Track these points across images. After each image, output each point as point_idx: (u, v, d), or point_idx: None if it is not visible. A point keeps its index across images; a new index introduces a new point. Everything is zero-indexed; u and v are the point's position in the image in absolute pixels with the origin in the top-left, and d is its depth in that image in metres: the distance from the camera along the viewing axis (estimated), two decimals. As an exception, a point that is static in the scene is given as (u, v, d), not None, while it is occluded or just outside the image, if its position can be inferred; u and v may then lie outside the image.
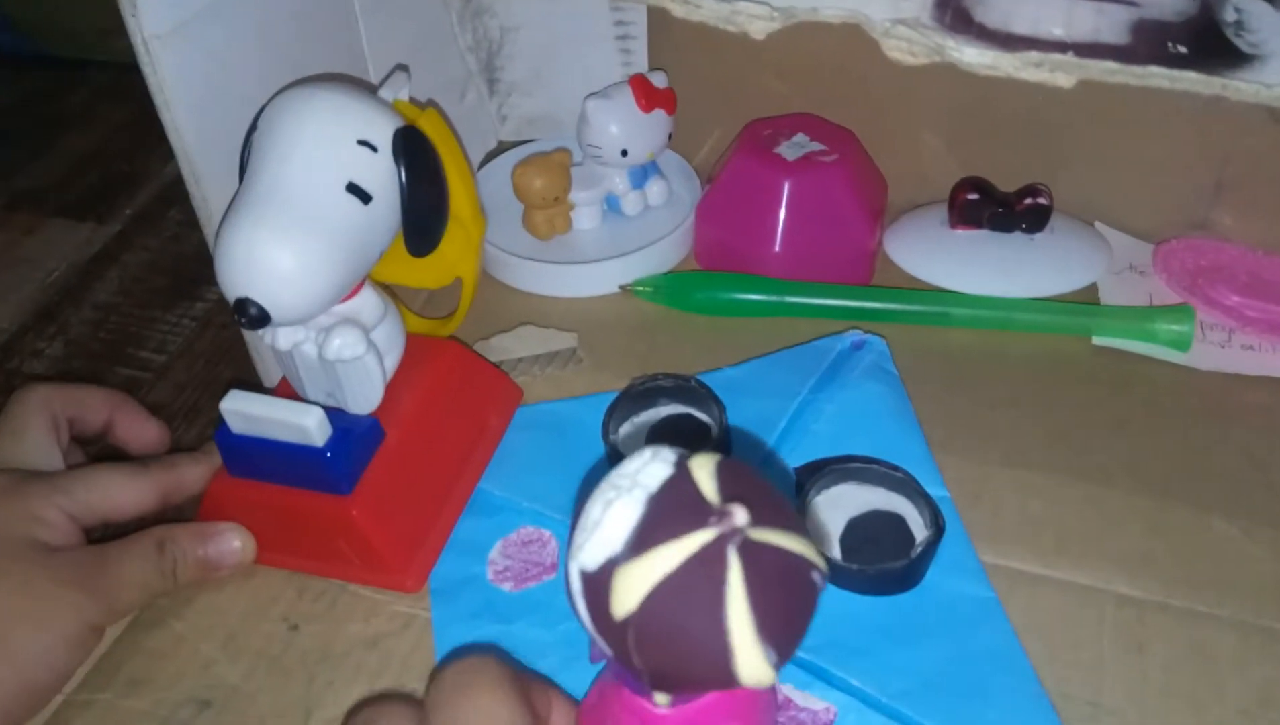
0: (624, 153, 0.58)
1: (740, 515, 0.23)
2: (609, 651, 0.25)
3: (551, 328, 0.55)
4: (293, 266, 0.36)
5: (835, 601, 0.41)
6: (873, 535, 0.42)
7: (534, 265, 0.58)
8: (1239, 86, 0.29)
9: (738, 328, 0.55)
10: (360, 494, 0.41)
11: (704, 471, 0.24)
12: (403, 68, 0.47)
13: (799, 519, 0.24)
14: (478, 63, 0.62)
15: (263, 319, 0.37)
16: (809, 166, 0.55)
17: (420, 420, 0.44)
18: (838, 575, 0.41)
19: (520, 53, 0.62)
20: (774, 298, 0.55)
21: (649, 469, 0.24)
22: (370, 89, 0.42)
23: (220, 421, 0.41)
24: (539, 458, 0.48)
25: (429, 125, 0.43)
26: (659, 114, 0.58)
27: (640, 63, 0.61)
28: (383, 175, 0.39)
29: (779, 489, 0.25)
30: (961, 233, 0.56)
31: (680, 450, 0.25)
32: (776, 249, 0.56)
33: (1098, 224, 0.60)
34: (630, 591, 0.23)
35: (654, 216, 0.61)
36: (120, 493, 0.42)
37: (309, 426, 0.39)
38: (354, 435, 0.41)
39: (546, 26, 0.61)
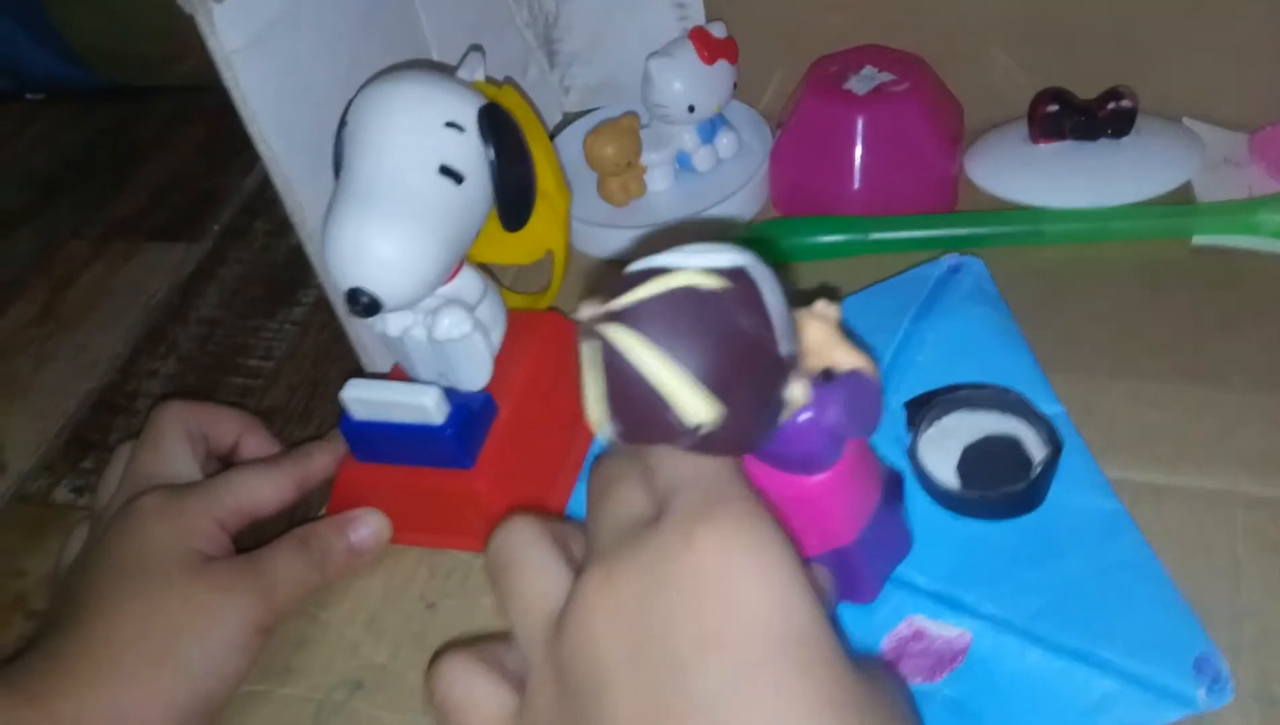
0: (691, 109, 0.58)
1: (588, 308, 0.28)
2: None
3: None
4: (398, 253, 0.38)
5: (960, 529, 0.42)
6: (990, 460, 0.43)
7: (614, 231, 0.58)
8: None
9: (827, 271, 0.55)
10: (482, 466, 0.43)
11: (659, 283, 0.27)
12: (477, 48, 0.49)
13: (714, 365, 0.27)
14: (536, 37, 0.62)
15: (374, 307, 0.39)
16: (881, 99, 0.55)
17: (529, 392, 0.46)
18: (960, 503, 0.42)
19: (576, 22, 0.63)
20: (859, 236, 0.55)
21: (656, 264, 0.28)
22: (449, 72, 0.43)
23: (343, 410, 0.43)
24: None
25: (508, 100, 0.45)
26: (722, 65, 0.58)
27: (697, 15, 0.62)
28: (472, 155, 0.40)
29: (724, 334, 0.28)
30: (1045, 146, 0.56)
31: (728, 258, 0.28)
32: (856, 186, 0.56)
33: (1186, 120, 0.59)
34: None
35: (726, 169, 0.61)
36: (262, 490, 0.45)
37: (428, 405, 0.41)
38: (470, 411, 0.43)
39: None
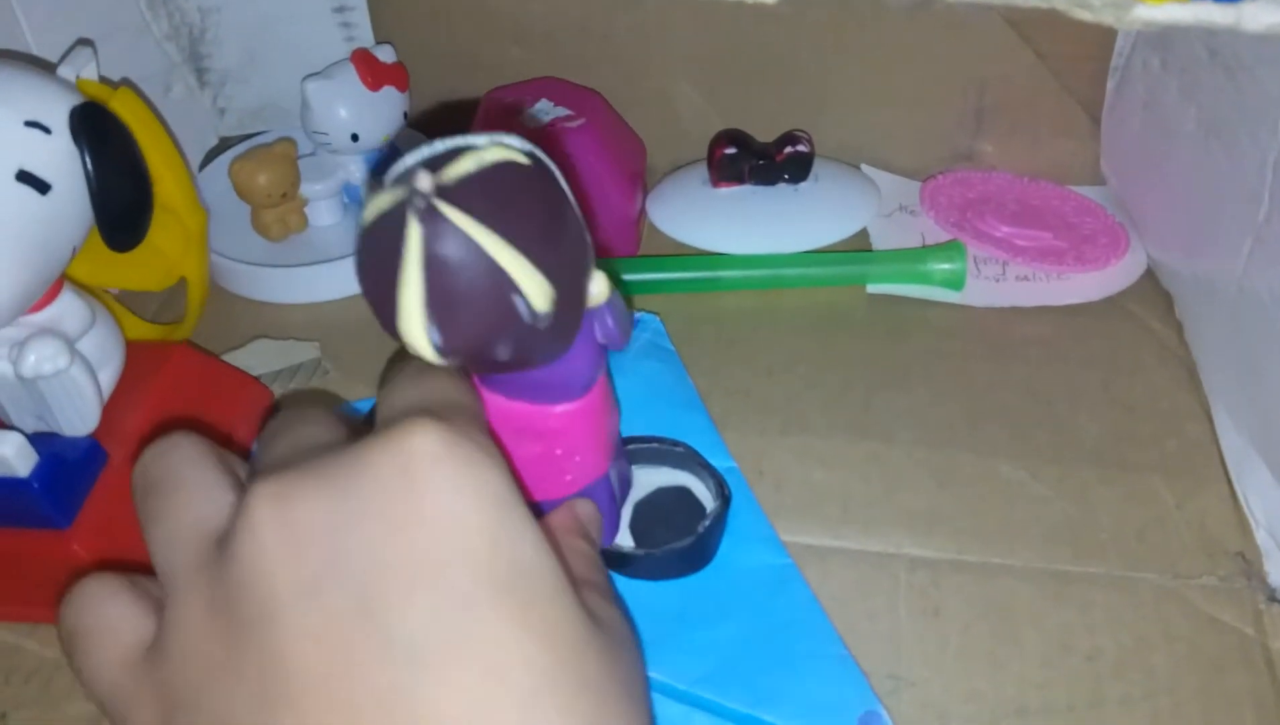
0: (355, 137, 0.55)
1: (423, 181, 0.24)
2: None
3: (290, 338, 0.50)
4: None
5: (626, 594, 0.40)
6: (663, 516, 0.41)
7: (267, 271, 0.54)
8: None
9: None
10: (82, 525, 0.39)
11: (474, 158, 0.25)
12: (86, 42, 0.43)
13: (544, 246, 0.25)
14: (180, 52, 0.58)
15: None
16: (553, 134, 0.53)
17: (149, 435, 0.41)
18: (628, 565, 0.40)
19: (227, 36, 0.59)
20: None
21: (460, 143, 0.26)
22: (47, 68, 0.39)
23: None
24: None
25: (122, 105, 0.41)
26: (389, 91, 0.55)
27: (365, 36, 0.58)
28: (62, 160, 0.36)
29: (565, 229, 0.26)
30: (724, 190, 0.55)
31: (501, 140, 0.26)
32: (531, 226, 0.53)
33: (864, 166, 0.59)
34: (362, 220, 0.26)
35: (400, 203, 0.57)
36: None
37: (7, 455, 0.36)
38: (68, 460, 0.38)
39: (253, 4, 0.58)
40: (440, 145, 0.25)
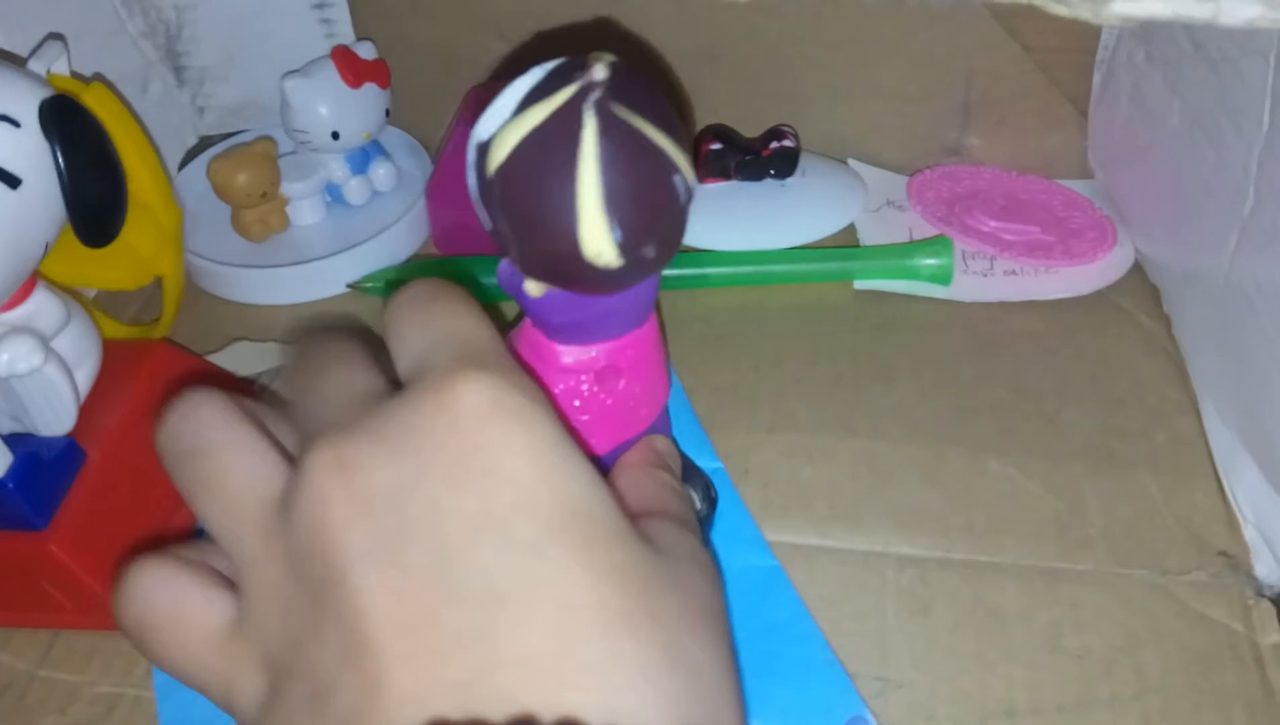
0: (335, 135, 0.54)
1: (600, 71, 0.24)
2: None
3: (271, 341, 0.50)
4: None
5: None
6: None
7: (248, 272, 0.54)
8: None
9: (490, 315, 0.51)
10: (59, 526, 0.38)
11: (598, 62, 0.25)
12: (57, 37, 0.42)
13: (679, 131, 0.26)
14: (157, 49, 0.57)
15: None
16: (538, 130, 0.52)
17: (128, 434, 0.41)
18: None
19: (205, 34, 0.59)
20: (520, 278, 0.52)
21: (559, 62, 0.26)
22: (17, 63, 0.39)
23: None
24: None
25: (95, 100, 0.41)
26: (371, 89, 0.55)
27: (345, 33, 0.58)
28: (32, 154, 0.36)
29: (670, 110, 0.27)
30: (710, 186, 0.55)
31: (602, 60, 0.26)
32: (517, 224, 0.52)
33: (851, 161, 0.59)
34: (503, 146, 0.25)
35: (384, 203, 0.58)
36: None
37: None
38: (44, 460, 0.38)
39: (231, 1, 0.58)
40: (553, 63, 0.26)
